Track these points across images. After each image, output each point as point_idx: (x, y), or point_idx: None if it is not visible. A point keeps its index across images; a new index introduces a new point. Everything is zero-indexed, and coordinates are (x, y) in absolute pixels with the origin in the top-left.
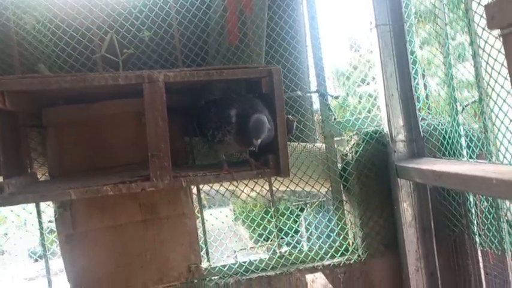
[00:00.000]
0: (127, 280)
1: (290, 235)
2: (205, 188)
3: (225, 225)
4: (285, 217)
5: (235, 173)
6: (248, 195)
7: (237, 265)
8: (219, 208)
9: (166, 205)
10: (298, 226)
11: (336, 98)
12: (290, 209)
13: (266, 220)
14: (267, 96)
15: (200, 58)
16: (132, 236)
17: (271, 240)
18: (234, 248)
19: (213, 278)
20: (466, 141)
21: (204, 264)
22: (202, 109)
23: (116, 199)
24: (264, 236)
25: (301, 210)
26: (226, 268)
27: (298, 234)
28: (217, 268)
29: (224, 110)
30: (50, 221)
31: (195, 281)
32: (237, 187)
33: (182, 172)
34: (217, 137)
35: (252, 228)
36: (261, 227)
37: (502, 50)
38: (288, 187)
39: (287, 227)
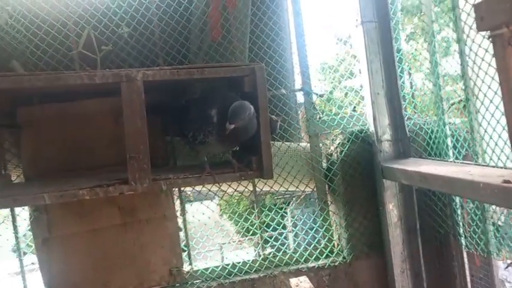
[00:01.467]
0: (105, 285)
1: (276, 230)
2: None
3: (211, 219)
4: (272, 213)
5: (217, 175)
6: (235, 190)
7: (219, 268)
8: (206, 202)
9: (147, 208)
10: (284, 220)
11: (321, 96)
12: (277, 205)
13: (251, 215)
14: (250, 94)
15: (181, 55)
16: (111, 240)
17: (257, 235)
18: (219, 242)
19: (195, 281)
20: (452, 141)
21: (186, 268)
22: (182, 109)
23: (94, 202)
24: (250, 230)
25: (288, 204)
26: (208, 271)
27: (285, 230)
28: (199, 271)
29: (205, 110)
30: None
31: (177, 284)
32: (219, 188)
33: (162, 174)
34: (199, 138)
35: (238, 223)
36: (246, 221)
37: (489, 49)
38: (272, 187)
39: (274, 222)
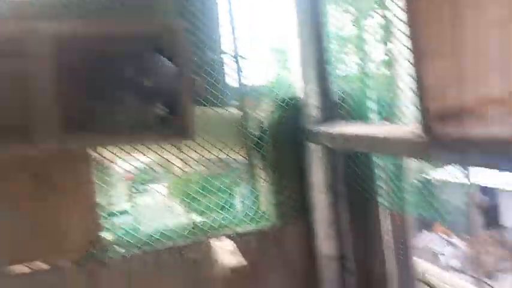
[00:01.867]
0: (21, 254)
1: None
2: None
3: (160, 203)
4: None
5: (136, 136)
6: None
7: (145, 236)
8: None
9: (64, 174)
10: (233, 200)
11: (246, 59)
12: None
13: (199, 195)
14: (171, 53)
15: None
16: (24, 209)
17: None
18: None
19: (118, 249)
20: (375, 105)
21: (109, 236)
22: (102, 71)
23: (3, 168)
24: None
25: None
26: (133, 240)
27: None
28: (123, 239)
29: (122, 70)
30: None
31: (97, 252)
32: (145, 155)
33: (76, 135)
34: (117, 99)
35: (185, 204)
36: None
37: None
38: (201, 154)
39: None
